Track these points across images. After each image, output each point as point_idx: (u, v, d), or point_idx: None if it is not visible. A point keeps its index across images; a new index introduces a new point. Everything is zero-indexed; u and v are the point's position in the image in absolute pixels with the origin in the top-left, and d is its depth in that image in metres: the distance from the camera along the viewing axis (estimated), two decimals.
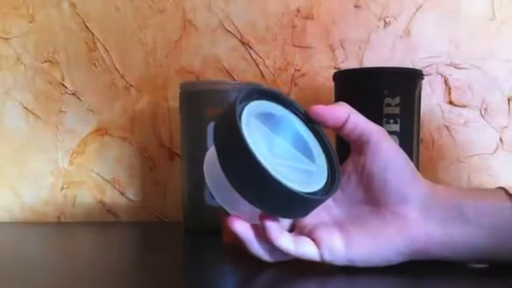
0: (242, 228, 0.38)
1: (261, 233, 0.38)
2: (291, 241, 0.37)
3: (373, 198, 0.39)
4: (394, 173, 0.38)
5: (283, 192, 0.34)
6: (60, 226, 0.66)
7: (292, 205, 0.36)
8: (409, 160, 0.39)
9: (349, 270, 0.38)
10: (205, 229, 0.53)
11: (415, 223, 0.37)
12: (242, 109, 0.36)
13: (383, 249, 0.37)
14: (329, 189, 0.38)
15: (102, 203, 0.69)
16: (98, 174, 0.69)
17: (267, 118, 0.38)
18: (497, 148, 0.66)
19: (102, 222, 0.67)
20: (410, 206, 0.37)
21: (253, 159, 0.33)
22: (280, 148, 0.38)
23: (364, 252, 0.37)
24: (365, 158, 0.39)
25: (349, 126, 0.39)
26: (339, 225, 0.39)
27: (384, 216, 0.38)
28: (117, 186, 0.69)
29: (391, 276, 0.37)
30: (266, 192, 0.35)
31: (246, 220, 0.38)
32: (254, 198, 0.35)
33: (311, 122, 0.40)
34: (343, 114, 0.39)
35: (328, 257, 0.37)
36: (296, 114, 0.40)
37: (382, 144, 0.38)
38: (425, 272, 0.38)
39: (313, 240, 0.38)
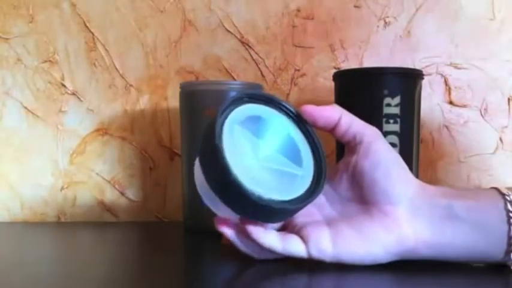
0: (228, 229, 0.39)
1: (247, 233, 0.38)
2: (277, 239, 0.38)
3: (363, 197, 0.39)
4: (383, 173, 0.38)
5: (256, 203, 0.35)
6: (60, 226, 0.66)
7: (267, 214, 0.37)
8: (401, 160, 0.39)
9: (340, 267, 0.38)
10: (205, 229, 0.53)
11: (403, 223, 0.37)
12: (226, 116, 0.37)
13: (371, 248, 0.37)
14: (309, 196, 0.38)
15: (102, 203, 0.69)
16: (98, 174, 0.69)
17: (255, 121, 0.39)
18: (497, 148, 0.66)
19: (102, 222, 0.67)
20: (399, 206, 0.38)
21: (227, 174, 0.35)
22: (266, 152, 0.39)
23: (352, 249, 0.37)
24: (356, 159, 0.39)
25: (343, 127, 0.39)
26: (329, 222, 0.39)
27: (372, 215, 0.38)
28: (117, 186, 0.69)
29: (383, 274, 0.37)
30: (241, 203, 0.36)
31: (234, 221, 0.39)
32: (232, 207, 0.37)
33: (303, 123, 0.41)
34: (334, 115, 0.39)
35: (315, 253, 0.38)
36: (288, 116, 0.41)
37: (373, 145, 0.39)
38: (418, 271, 0.38)
39: (302, 237, 0.38)
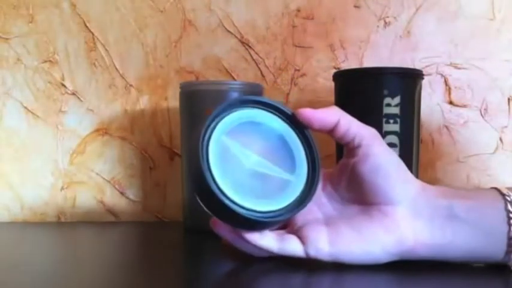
0: (224, 230, 0.40)
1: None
2: (273, 241, 0.38)
3: (362, 199, 0.39)
4: (382, 176, 0.38)
5: (237, 218, 0.36)
6: (60, 226, 0.66)
7: (253, 226, 0.38)
8: (400, 162, 0.39)
9: (339, 267, 0.38)
10: (205, 229, 0.53)
11: (403, 223, 0.37)
12: (214, 128, 0.37)
13: (369, 248, 0.37)
14: (298, 205, 0.38)
15: (102, 203, 0.69)
16: (98, 174, 0.69)
17: (248, 127, 0.39)
18: (497, 148, 0.66)
19: (102, 222, 0.67)
20: (399, 206, 0.38)
21: (208, 189, 0.36)
22: (257, 158, 0.38)
23: (350, 249, 0.37)
24: (355, 162, 0.39)
25: (341, 130, 0.39)
26: (329, 222, 0.39)
27: (372, 215, 0.38)
28: (117, 186, 0.69)
29: (383, 274, 0.37)
30: (227, 218, 0.38)
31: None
32: (220, 219, 0.39)
33: (300, 126, 0.40)
34: (331, 117, 0.39)
35: (312, 252, 0.38)
36: (283, 119, 0.40)
37: (372, 149, 0.38)
38: (418, 270, 0.38)
39: (300, 238, 0.38)
